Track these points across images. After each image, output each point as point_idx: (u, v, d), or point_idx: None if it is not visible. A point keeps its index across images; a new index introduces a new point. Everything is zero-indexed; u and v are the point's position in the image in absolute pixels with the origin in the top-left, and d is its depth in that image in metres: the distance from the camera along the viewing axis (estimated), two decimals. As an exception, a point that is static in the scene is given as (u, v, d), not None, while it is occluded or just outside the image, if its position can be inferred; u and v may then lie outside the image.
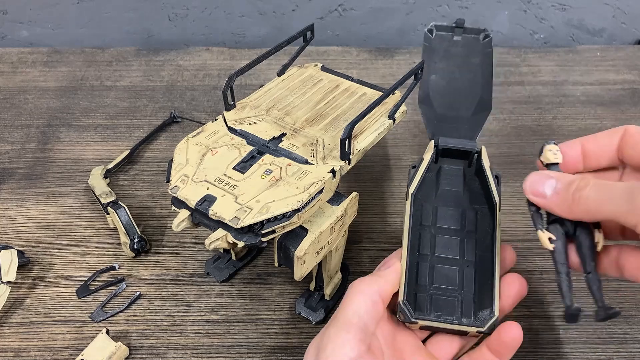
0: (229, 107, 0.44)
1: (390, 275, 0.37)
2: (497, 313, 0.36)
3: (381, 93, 0.44)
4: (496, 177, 0.40)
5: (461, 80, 0.46)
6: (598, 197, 0.31)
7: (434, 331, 0.38)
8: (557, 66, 0.76)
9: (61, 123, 0.66)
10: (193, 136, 0.41)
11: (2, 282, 0.45)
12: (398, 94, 0.45)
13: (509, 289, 0.37)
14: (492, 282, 0.37)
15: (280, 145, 0.40)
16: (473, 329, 0.36)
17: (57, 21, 0.82)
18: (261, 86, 0.48)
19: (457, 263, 0.39)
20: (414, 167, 0.41)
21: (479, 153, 0.41)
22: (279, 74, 0.49)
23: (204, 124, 0.44)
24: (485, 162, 0.40)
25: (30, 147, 0.63)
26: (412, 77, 0.44)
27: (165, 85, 0.72)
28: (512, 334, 0.36)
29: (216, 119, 0.44)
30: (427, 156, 0.41)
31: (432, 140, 0.42)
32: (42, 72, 0.75)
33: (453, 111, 0.45)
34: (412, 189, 0.40)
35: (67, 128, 0.66)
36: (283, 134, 0.41)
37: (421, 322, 0.36)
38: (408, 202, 0.39)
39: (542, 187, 0.34)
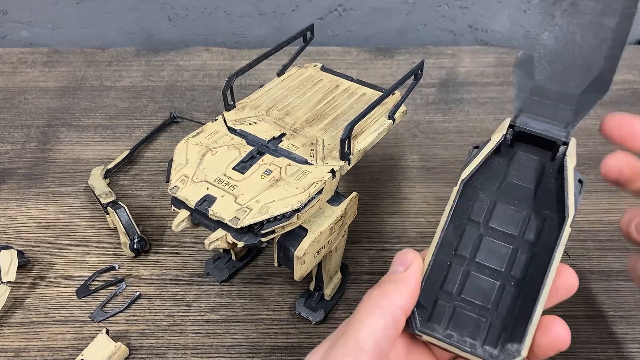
0: (228, 107, 0.44)
1: (414, 280, 0.30)
2: (524, 354, 0.28)
3: (381, 93, 0.44)
4: (580, 182, 0.32)
5: (581, 45, 0.35)
6: None
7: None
8: (557, 66, 0.76)
9: (61, 123, 0.66)
10: (193, 136, 0.41)
11: (2, 282, 0.45)
12: (398, 94, 0.45)
13: (545, 334, 0.29)
14: (531, 312, 0.29)
15: (280, 145, 0.40)
16: None
17: (57, 21, 0.82)
18: (261, 86, 0.48)
19: (500, 276, 0.31)
20: (477, 147, 0.33)
21: (567, 146, 0.32)
22: (279, 74, 0.49)
23: (203, 124, 0.44)
24: (570, 160, 0.32)
25: (30, 147, 0.63)
26: (412, 77, 0.44)
27: (165, 85, 0.72)
28: None
29: (216, 119, 0.44)
30: (496, 137, 0.33)
31: (508, 119, 0.34)
32: (42, 72, 0.75)
33: (557, 84, 0.35)
34: (465, 174, 0.32)
35: (67, 128, 0.66)
36: (283, 134, 0.41)
37: (426, 338, 0.30)
38: (455, 189, 0.32)
39: None
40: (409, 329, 0.30)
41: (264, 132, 0.41)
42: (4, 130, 0.65)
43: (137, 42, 0.83)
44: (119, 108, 0.69)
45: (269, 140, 0.41)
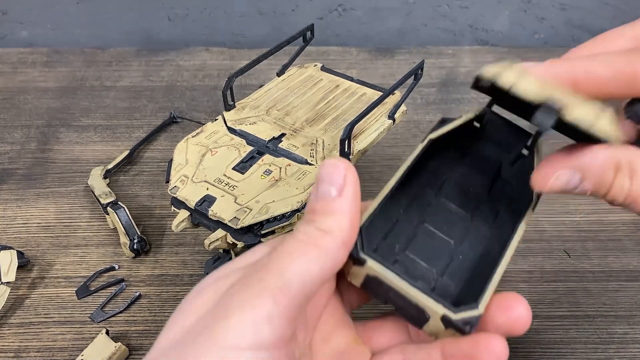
0: (228, 108, 0.44)
1: (353, 206, 0.24)
2: (481, 309, 0.25)
3: (381, 93, 0.44)
4: None
5: None
6: None
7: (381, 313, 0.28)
8: (557, 66, 0.76)
9: (61, 123, 0.66)
10: (193, 136, 0.41)
11: (2, 283, 0.45)
12: (398, 94, 0.45)
13: (505, 312, 0.25)
14: (487, 279, 0.26)
15: (280, 145, 0.40)
16: (440, 310, 0.24)
17: (56, 21, 0.82)
18: (261, 86, 0.48)
19: (449, 248, 0.29)
20: (444, 120, 0.30)
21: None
22: (279, 74, 0.49)
23: (203, 124, 0.44)
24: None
25: (30, 147, 0.63)
26: (412, 77, 0.44)
27: (165, 85, 0.72)
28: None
29: (216, 119, 0.44)
30: (469, 114, 0.30)
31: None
32: (42, 72, 0.75)
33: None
34: (435, 134, 0.29)
35: (67, 128, 0.66)
36: (283, 134, 0.41)
37: (372, 266, 0.25)
38: (421, 145, 0.29)
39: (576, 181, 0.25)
40: (352, 254, 0.25)
41: (264, 132, 0.41)
42: (3, 130, 0.65)
43: (136, 42, 0.83)
44: (119, 108, 0.69)
45: (269, 141, 0.41)
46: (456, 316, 0.24)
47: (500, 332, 0.24)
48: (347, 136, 0.38)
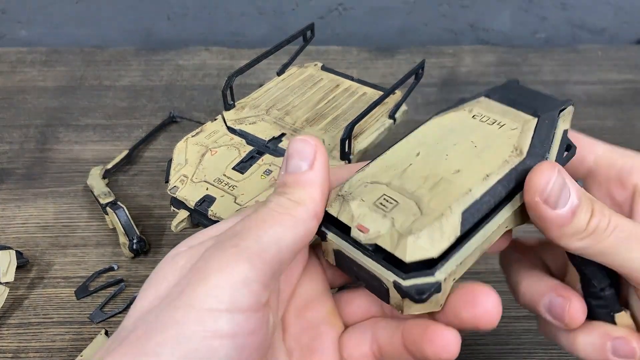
0: (228, 107, 0.44)
1: (324, 179, 0.25)
2: (439, 277, 0.23)
3: (382, 93, 0.44)
4: (568, 147, 0.28)
5: None
6: (623, 239, 0.24)
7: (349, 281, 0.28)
8: (558, 66, 0.76)
9: (60, 123, 0.66)
10: (192, 136, 0.41)
11: (1, 283, 0.45)
12: (399, 94, 0.45)
13: (471, 307, 0.23)
14: (459, 244, 0.24)
15: (279, 145, 0.40)
16: (391, 277, 0.23)
17: (55, 21, 0.81)
18: (261, 86, 0.48)
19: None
20: (463, 99, 0.30)
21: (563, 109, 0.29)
22: (279, 74, 0.49)
23: (203, 123, 0.43)
24: (563, 121, 0.28)
25: (29, 147, 0.63)
26: (413, 76, 0.44)
27: (165, 85, 0.72)
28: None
29: (215, 119, 0.43)
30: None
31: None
32: (41, 71, 0.74)
33: None
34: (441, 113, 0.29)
35: (66, 128, 0.65)
36: (283, 134, 0.41)
37: (332, 239, 0.25)
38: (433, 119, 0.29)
39: (559, 192, 0.24)
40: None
41: (264, 131, 0.41)
42: (2, 130, 0.65)
43: (136, 41, 0.83)
44: (118, 108, 0.68)
45: (269, 140, 0.40)
46: (406, 282, 0.23)
47: (466, 326, 0.23)
48: (348, 136, 0.38)
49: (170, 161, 0.39)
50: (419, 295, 0.22)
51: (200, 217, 0.36)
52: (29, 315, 0.46)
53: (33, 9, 0.80)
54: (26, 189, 0.57)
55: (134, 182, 0.58)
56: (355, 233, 0.24)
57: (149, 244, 0.51)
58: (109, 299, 0.47)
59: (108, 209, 0.51)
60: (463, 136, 0.27)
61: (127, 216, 0.50)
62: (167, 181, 0.38)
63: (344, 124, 0.42)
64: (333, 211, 0.25)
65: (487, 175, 0.25)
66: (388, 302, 0.24)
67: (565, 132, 0.28)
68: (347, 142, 0.38)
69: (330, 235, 0.25)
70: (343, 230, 0.25)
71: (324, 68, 0.50)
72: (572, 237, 0.24)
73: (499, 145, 0.26)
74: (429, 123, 0.29)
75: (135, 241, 0.49)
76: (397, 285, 0.23)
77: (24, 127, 0.66)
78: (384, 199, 0.25)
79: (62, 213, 0.55)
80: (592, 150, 0.29)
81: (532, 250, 0.30)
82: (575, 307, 0.26)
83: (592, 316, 0.27)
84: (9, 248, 0.47)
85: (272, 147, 0.40)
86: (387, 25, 0.83)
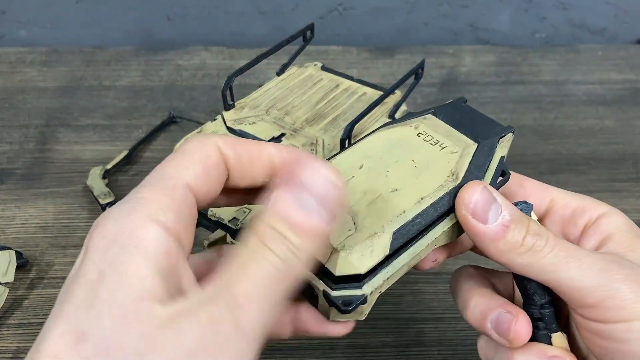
0: (228, 107, 0.44)
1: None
2: (366, 290, 0.24)
3: (381, 93, 0.43)
4: (503, 173, 0.29)
5: None
6: (560, 258, 0.25)
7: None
8: (558, 65, 0.76)
9: (60, 123, 0.66)
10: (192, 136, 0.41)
11: (1, 284, 0.45)
12: (398, 94, 0.45)
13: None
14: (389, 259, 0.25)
15: (279, 145, 0.40)
16: (321, 286, 0.25)
17: (55, 21, 0.81)
18: (260, 86, 0.48)
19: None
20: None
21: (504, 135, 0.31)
22: (279, 74, 0.48)
23: (203, 124, 0.43)
24: (500, 147, 0.30)
25: (29, 147, 0.63)
26: (413, 76, 0.44)
27: (164, 85, 0.72)
28: None
29: (215, 119, 0.43)
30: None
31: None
32: (41, 72, 0.74)
33: None
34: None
35: (66, 128, 0.65)
36: (282, 134, 0.41)
37: None
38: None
39: (486, 207, 0.26)
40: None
41: (264, 132, 0.41)
42: (2, 130, 0.65)
43: (136, 41, 0.83)
44: (118, 108, 0.68)
45: (269, 140, 0.40)
46: (334, 293, 0.24)
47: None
48: (347, 136, 0.38)
49: (170, 161, 0.39)
50: (345, 306, 0.24)
51: (200, 217, 0.36)
52: (29, 316, 0.46)
53: (33, 9, 0.80)
54: (26, 189, 0.57)
55: (134, 183, 0.58)
56: None
57: (148, 244, 0.51)
58: (108, 299, 0.47)
59: (108, 209, 0.50)
60: (406, 154, 0.29)
61: (127, 216, 0.50)
62: (166, 181, 0.38)
63: (343, 124, 0.42)
64: None
65: (422, 198, 0.26)
66: (316, 307, 0.26)
67: (502, 158, 0.29)
68: (347, 142, 0.38)
69: None
70: None
71: (323, 68, 0.50)
72: (510, 253, 0.25)
73: (437, 168, 0.28)
74: (377, 135, 0.30)
75: (135, 241, 0.49)
76: (325, 295, 0.24)
77: (24, 127, 0.66)
78: None
79: (61, 213, 0.55)
80: (548, 194, 0.30)
81: (482, 274, 0.31)
82: (521, 323, 0.27)
83: (531, 337, 0.27)
84: (9, 248, 0.47)
85: (271, 147, 0.40)
86: (387, 25, 0.83)
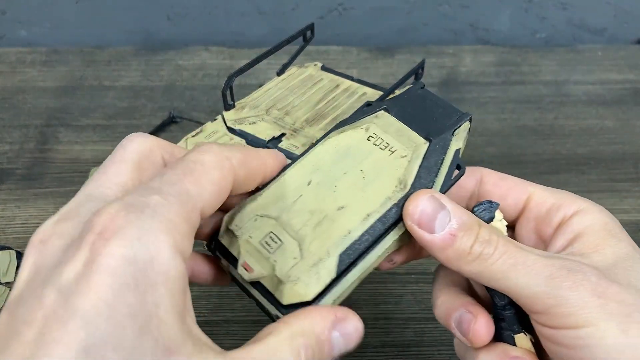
0: (228, 107, 0.44)
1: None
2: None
3: (382, 93, 0.43)
4: (458, 167, 0.29)
5: None
6: (509, 266, 0.25)
7: None
8: (558, 65, 0.76)
9: (60, 123, 0.66)
10: (192, 136, 0.41)
11: (1, 283, 0.45)
12: (398, 94, 0.45)
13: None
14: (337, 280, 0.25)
15: (279, 145, 0.40)
16: (273, 311, 0.26)
17: (55, 21, 0.81)
18: (261, 86, 0.48)
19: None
20: (369, 104, 0.32)
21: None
22: (279, 74, 0.48)
23: (203, 124, 0.43)
24: (456, 140, 0.30)
25: (29, 147, 0.63)
26: (413, 76, 0.44)
27: (165, 85, 0.72)
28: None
29: (215, 119, 0.43)
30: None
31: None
32: (41, 72, 0.74)
33: None
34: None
35: (66, 128, 0.65)
36: (283, 134, 0.41)
37: (224, 264, 0.27)
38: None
39: (432, 217, 0.25)
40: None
41: (264, 132, 0.41)
42: (2, 130, 0.65)
43: (136, 41, 0.83)
44: (118, 108, 0.68)
45: (269, 140, 0.40)
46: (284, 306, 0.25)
47: None
48: (348, 136, 0.37)
49: (170, 161, 0.39)
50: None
51: (200, 217, 0.36)
52: (29, 316, 0.46)
53: (33, 9, 0.80)
54: (26, 189, 0.57)
55: (134, 182, 0.58)
56: (240, 271, 0.26)
57: (148, 244, 0.51)
58: (108, 299, 0.47)
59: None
60: (354, 164, 0.28)
61: (127, 216, 0.50)
62: (167, 181, 0.38)
63: (344, 124, 0.42)
64: (225, 242, 0.27)
65: (368, 215, 0.26)
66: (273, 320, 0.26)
67: (458, 151, 0.29)
68: (347, 142, 0.38)
69: (223, 262, 0.27)
70: (234, 259, 0.27)
71: (323, 68, 0.50)
72: (458, 261, 0.25)
73: (385, 177, 0.27)
74: (327, 142, 0.30)
75: (135, 241, 0.49)
76: (277, 319, 0.25)
77: (24, 127, 0.66)
78: (270, 237, 0.26)
79: (62, 213, 0.55)
80: (525, 190, 0.30)
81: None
82: (480, 323, 0.27)
83: (496, 338, 0.28)
84: (9, 248, 0.47)
85: (272, 147, 0.40)
86: (387, 25, 0.83)
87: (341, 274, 0.25)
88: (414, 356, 0.44)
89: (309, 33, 0.48)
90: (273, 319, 0.26)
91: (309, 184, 0.28)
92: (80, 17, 0.81)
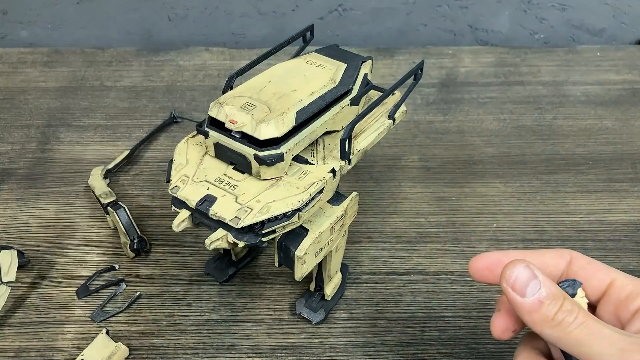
0: (229, 107, 0.44)
1: None
2: (282, 149, 0.37)
3: (381, 93, 0.44)
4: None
5: None
6: (585, 335, 0.28)
7: None
8: (557, 66, 0.76)
9: (61, 123, 0.66)
10: (193, 136, 0.41)
11: (2, 283, 0.45)
12: (398, 94, 0.45)
13: None
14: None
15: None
16: (252, 152, 0.36)
17: (57, 21, 0.82)
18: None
19: None
20: None
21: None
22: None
23: (204, 124, 0.43)
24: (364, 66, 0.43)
25: (31, 147, 0.63)
26: (412, 77, 0.44)
27: (165, 85, 0.72)
28: None
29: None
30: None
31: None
32: (42, 72, 0.75)
33: None
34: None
35: (67, 128, 0.66)
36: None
37: (213, 135, 0.37)
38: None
39: (525, 283, 0.29)
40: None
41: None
42: (4, 130, 0.65)
43: (137, 42, 0.83)
44: (119, 108, 0.69)
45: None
46: (262, 153, 0.35)
47: None
48: (348, 136, 0.38)
49: (171, 161, 0.39)
50: (269, 160, 0.35)
51: (202, 216, 0.36)
52: (30, 315, 0.46)
53: (34, 10, 0.80)
54: (28, 189, 0.58)
55: (135, 182, 0.58)
56: (228, 125, 0.36)
57: (149, 243, 0.52)
58: (110, 298, 0.47)
59: (109, 208, 0.51)
60: (299, 72, 0.41)
61: (128, 216, 0.50)
62: (168, 181, 0.38)
63: (343, 124, 0.43)
64: (212, 113, 0.37)
65: (312, 92, 0.38)
66: (250, 173, 0.37)
67: (365, 75, 0.42)
68: (347, 142, 0.38)
69: (211, 132, 0.37)
70: (220, 128, 0.37)
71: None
72: (542, 325, 0.29)
73: (321, 77, 0.40)
74: (275, 67, 0.41)
75: (136, 241, 0.49)
76: (256, 156, 0.35)
77: (26, 127, 0.66)
78: (247, 104, 0.37)
79: (63, 213, 0.55)
80: (608, 275, 0.33)
81: (538, 337, 0.34)
82: None
83: None
84: (11, 248, 0.47)
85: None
86: (387, 26, 0.83)
87: (299, 126, 0.36)
88: (413, 355, 0.44)
89: (308, 34, 0.48)
90: (250, 166, 0.36)
91: (269, 82, 0.39)
92: (82, 18, 0.81)
